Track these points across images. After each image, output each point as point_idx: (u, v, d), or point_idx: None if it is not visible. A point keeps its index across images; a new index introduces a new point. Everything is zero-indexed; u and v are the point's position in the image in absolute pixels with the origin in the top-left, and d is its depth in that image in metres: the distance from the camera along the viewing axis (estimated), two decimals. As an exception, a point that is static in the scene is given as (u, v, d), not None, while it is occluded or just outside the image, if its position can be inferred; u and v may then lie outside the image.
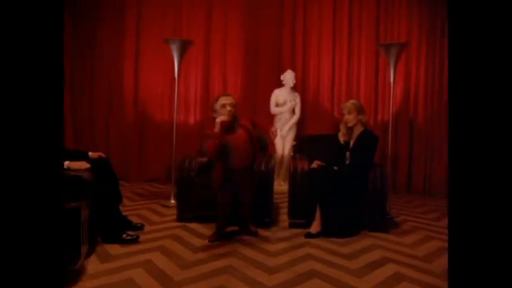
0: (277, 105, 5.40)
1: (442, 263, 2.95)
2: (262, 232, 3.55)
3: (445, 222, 4.13)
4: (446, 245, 3.34)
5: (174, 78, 5.79)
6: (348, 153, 3.72)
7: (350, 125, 3.71)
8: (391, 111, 4.44)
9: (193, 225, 3.72)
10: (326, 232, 3.50)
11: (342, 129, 3.81)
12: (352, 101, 3.83)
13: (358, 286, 2.52)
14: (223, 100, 3.30)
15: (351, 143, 3.74)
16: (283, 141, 5.41)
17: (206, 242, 3.28)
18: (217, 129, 3.12)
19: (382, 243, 3.38)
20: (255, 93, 5.74)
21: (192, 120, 5.84)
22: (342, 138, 3.80)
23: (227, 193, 3.32)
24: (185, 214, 3.85)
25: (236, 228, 3.56)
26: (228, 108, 3.23)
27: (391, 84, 4.33)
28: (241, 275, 2.63)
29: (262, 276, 2.63)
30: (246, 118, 3.41)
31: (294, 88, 5.41)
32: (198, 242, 3.29)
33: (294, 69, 5.51)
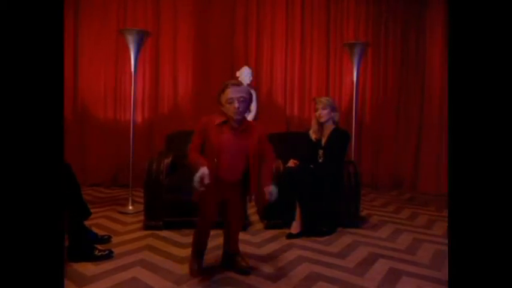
0: (232, 102, 5.22)
1: (425, 255, 3.06)
2: (241, 236, 3.38)
3: (404, 214, 4.34)
4: (419, 236, 3.55)
5: (117, 73, 5.41)
6: (320, 151, 3.71)
7: (322, 120, 3.69)
8: (354, 109, 4.53)
9: (165, 233, 3.42)
10: (307, 232, 3.45)
11: (314, 126, 3.79)
12: (327, 97, 3.84)
13: (365, 285, 2.49)
14: (232, 92, 2.37)
15: (323, 140, 3.73)
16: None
17: (188, 250, 3.01)
18: (202, 180, 2.22)
19: (362, 239, 3.42)
20: (208, 89, 5.49)
21: (139, 119, 5.40)
22: (313, 136, 3.78)
23: (211, 204, 2.47)
24: (153, 221, 3.52)
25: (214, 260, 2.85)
26: (237, 105, 2.34)
27: (354, 83, 4.42)
28: (245, 285, 2.45)
29: (265, 284, 2.47)
30: (257, 126, 2.58)
31: (250, 85, 5.28)
32: (178, 251, 3.02)
33: (247, 66, 5.38)
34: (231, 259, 2.69)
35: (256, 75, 5.58)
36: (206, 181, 2.21)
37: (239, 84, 2.46)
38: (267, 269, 2.72)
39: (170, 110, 5.50)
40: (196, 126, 2.48)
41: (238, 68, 5.29)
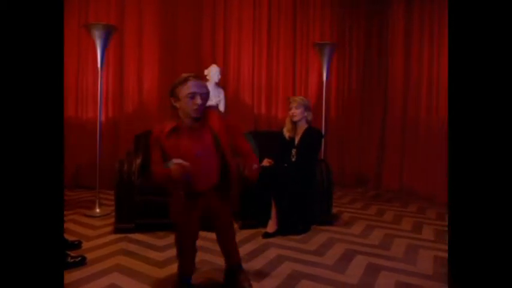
0: (201, 101, 5.13)
1: (398, 249, 3.17)
2: (212, 235, 3.33)
3: (372, 210, 4.48)
4: (390, 232, 3.67)
5: (78, 70, 5.16)
6: (294, 150, 3.73)
7: (296, 119, 3.72)
8: (323, 108, 4.60)
9: (137, 236, 3.30)
10: (283, 230, 3.46)
11: (288, 125, 3.81)
12: (301, 96, 3.87)
13: (348, 281, 2.53)
14: (195, 86, 2.11)
15: (296, 139, 3.76)
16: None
17: (165, 253, 2.93)
18: (174, 177, 2.03)
19: (337, 236, 3.48)
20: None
21: (103, 117, 5.16)
22: (287, 134, 3.80)
23: (190, 218, 2.21)
24: (124, 224, 3.38)
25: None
26: (199, 101, 2.10)
27: (324, 83, 4.49)
28: (230, 287, 2.41)
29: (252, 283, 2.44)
30: (214, 114, 2.27)
31: (218, 83, 5.22)
32: (155, 254, 2.92)
33: (215, 64, 5.30)
34: (234, 275, 2.38)
35: (223, 73, 5.52)
36: (185, 165, 1.99)
37: (201, 79, 2.23)
38: (248, 269, 2.68)
39: (135, 108, 5.32)
40: (150, 141, 2.20)
41: (205, 66, 5.20)
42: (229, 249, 2.40)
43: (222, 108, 5.23)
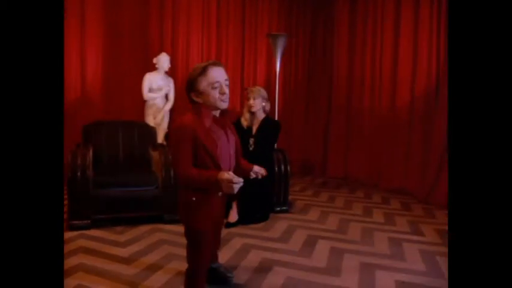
0: (150, 90, 4.95)
1: (355, 232, 3.36)
2: (177, 228, 3.28)
3: (323, 197, 4.67)
4: (344, 216, 3.87)
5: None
6: (251, 140, 3.77)
7: (254, 110, 3.75)
8: (276, 98, 4.67)
9: (94, 233, 3.14)
10: (243, 220, 3.50)
11: (245, 114, 3.84)
12: (258, 87, 3.90)
13: (316, 265, 2.64)
14: (218, 75, 1.83)
15: (254, 129, 3.81)
16: (157, 130, 5.03)
17: (129, 249, 2.83)
18: (228, 192, 1.76)
19: (296, 222, 3.60)
20: (120, 77, 5.12)
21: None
22: (244, 123, 3.82)
23: (210, 234, 1.95)
24: (80, 221, 3.19)
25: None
26: (226, 90, 1.85)
27: (277, 73, 4.56)
28: (205, 278, 2.40)
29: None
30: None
31: (168, 72, 5.07)
32: (118, 251, 2.81)
33: (164, 52, 5.14)
34: (216, 272, 2.34)
35: (171, 62, 5.37)
36: (238, 180, 1.68)
37: (220, 64, 1.90)
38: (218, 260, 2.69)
39: (78, 97, 4.99)
40: (181, 134, 1.80)
41: (153, 55, 5.03)
42: (215, 248, 2.34)
43: (171, 97, 5.11)
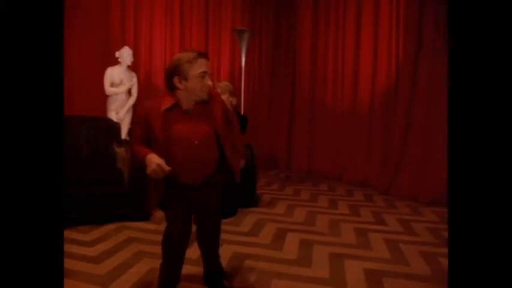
0: (112, 85, 4.81)
1: (322, 224, 3.45)
2: (148, 225, 3.24)
3: (288, 191, 4.76)
4: (310, 209, 3.96)
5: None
6: (219, 135, 3.77)
7: (221, 106, 3.75)
8: (242, 93, 4.69)
9: (58, 233, 3.02)
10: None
11: (212, 110, 3.82)
12: (225, 82, 3.89)
13: (288, 257, 2.70)
14: (205, 65, 1.88)
15: (221, 124, 3.80)
16: (121, 125, 4.90)
17: (96, 248, 2.75)
18: (149, 176, 1.83)
19: (264, 216, 3.64)
20: (80, 70, 4.93)
21: None
22: (212, 119, 3.81)
23: (179, 218, 2.02)
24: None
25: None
26: (209, 82, 1.89)
27: (243, 68, 4.57)
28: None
29: (198, 271, 2.45)
30: (218, 100, 2.04)
31: (131, 67, 4.95)
32: (86, 250, 2.72)
33: (127, 46, 5.01)
34: (214, 279, 2.25)
35: (134, 56, 5.24)
36: (164, 167, 1.76)
37: (208, 57, 1.93)
38: (190, 256, 2.67)
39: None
40: (138, 115, 1.92)
41: (115, 48, 4.90)
42: (210, 257, 2.24)
43: (134, 92, 4.99)
